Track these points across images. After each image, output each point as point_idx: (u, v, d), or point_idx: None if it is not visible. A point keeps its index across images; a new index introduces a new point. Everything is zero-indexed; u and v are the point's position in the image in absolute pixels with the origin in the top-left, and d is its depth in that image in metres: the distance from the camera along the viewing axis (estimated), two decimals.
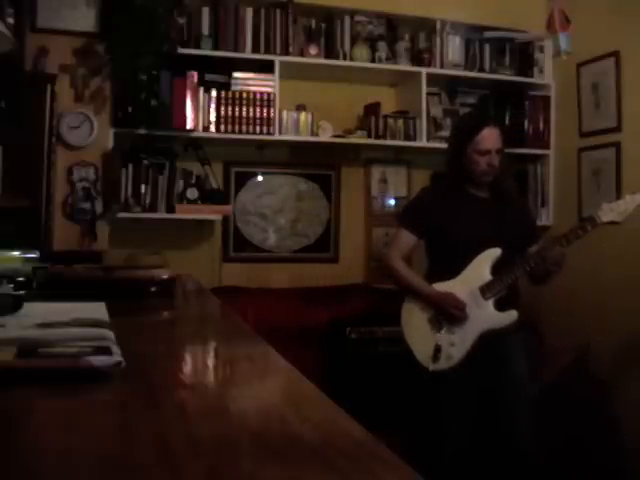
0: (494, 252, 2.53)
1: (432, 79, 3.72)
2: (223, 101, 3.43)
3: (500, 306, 2.54)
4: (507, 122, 3.83)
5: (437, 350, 2.54)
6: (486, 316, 2.53)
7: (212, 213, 3.50)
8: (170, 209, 3.38)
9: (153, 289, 1.82)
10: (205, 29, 3.42)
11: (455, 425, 2.59)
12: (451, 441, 2.60)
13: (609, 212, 2.46)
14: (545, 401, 3.11)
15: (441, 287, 2.59)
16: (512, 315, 2.52)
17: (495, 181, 2.62)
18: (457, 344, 2.54)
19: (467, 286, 2.54)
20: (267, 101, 3.46)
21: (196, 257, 3.58)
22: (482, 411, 2.61)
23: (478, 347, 2.53)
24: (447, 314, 2.54)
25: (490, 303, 2.53)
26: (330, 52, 3.64)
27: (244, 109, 3.44)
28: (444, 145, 3.73)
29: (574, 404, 3.29)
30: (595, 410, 3.30)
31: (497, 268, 2.54)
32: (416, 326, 2.64)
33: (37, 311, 1.27)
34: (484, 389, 2.59)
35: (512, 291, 2.58)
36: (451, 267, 2.59)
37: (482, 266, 2.55)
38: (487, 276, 2.54)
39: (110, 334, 1.03)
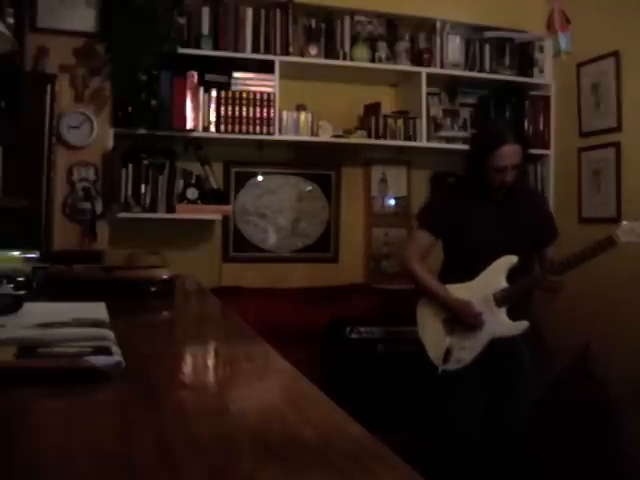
0: (510, 260, 2.55)
1: (432, 79, 3.72)
2: (223, 101, 3.43)
3: (513, 313, 2.56)
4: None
5: (448, 352, 2.58)
6: (498, 323, 2.55)
7: (212, 213, 3.50)
8: (170, 209, 3.38)
9: (153, 289, 1.82)
10: (205, 29, 3.42)
11: (462, 424, 2.61)
12: (458, 440, 2.61)
13: (629, 232, 2.41)
14: (545, 401, 3.11)
15: (456, 289, 2.61)
16: (523, 325, 2.55)
17: (510, 189, 2.61)
18: (467, 348, 2.58)
19: (481, 292, 2.56)
20: (267, 101, 3.46)
21: (196, 257, 3.58)
22: (491, 412, 2.63)
23: (487, 351, 2.56)
24: (463, 321, 2.57)
25: (503, 311, 2.55)
26: (330, 52, 3.64)
27: (244, 109, 3.44)
28: (444, 145, 3.76)
29: (573, 404, 3.29)
30: (594, 410, 3.29)
31: (512, 275, 2.55)
32: (430, 326, 2.67)
33: (37, 311, 1.27)
34: (491, 390, 2.62)
35: (525, 298, 2.60)
36: (465, 268, 2.61)
37: (498, 273, 2.56)
38: (502, 283, 2.55)
39: (110, 334, 1.03)
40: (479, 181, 2.61)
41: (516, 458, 2.61)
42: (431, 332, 2.66)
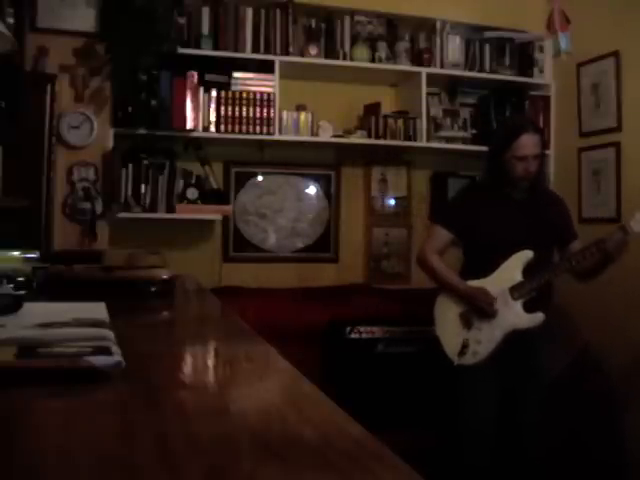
0: (526, 254, 2.57)
1: (432, 79, 3.72)
2: (223, 101, 3.43)
3: (530, 308, 2.57)
4: None
5: (464, 346, 2.60)
6: (513, 316, 2.57)
7: (212, 213, 3.50)
8: (170, 209, 3.38)
9: (153, 289, 1.82)
10: (205, 29, 3.42)
11: (477, 423, 2.62)
12: (473, 440, 2.62)
13: None
14: (547, 396, 3.11)
15: (473, 285, 2.64)
16: (538, 317, 2.56)
17: (532, 182, 2.65)
18: (484, 342, 2.59)
19: (498, 286, 2.59)
20: (267, 101, 3.46)
21: (196, 257, 3.58)
22: (505, 408, 2.65)
23: (504, 346, 2.58)
24: (477, 308, 2.59)
25: (518, 304, 2.57)
26: (330, 52, 3.64)
27: (244, 109, 3.44)
28: (444, 145, 3.77)
29: (575, 399, 3.29)
30: (596, 405, 3.30)
31: (529, 270, 2.58)
32: (447, 320, 2.69)
33: (37, 311, 1.27)
34: (507, 385, 2.64)
35: (544, 293, 2.61)
36: (484, 266, 2.63)
37: (513, 267, 2.59)
38: (518, 277, 2.58)
39: (110, 334, 1.03)
40: (500, 178, 2.64)
41: (529, 451, 2.64)
42: (448, 326, 2.68)
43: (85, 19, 3.20)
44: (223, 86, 3.46)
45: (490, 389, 2.62)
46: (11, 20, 2.71)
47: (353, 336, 3.41)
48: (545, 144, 2.71)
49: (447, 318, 2.69)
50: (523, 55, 3.91)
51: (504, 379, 2.63)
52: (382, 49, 3.69)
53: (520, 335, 2.57)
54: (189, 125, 3.36)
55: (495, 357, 2.58)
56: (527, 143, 2.58)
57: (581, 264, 2.53)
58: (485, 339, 2.59)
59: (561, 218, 2.73)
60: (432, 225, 2.87)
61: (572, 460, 3.15)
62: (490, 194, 2.69)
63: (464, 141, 3.81)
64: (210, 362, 1.24)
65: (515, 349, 2.59)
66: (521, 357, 2.63)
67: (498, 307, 2.57)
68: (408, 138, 3.71)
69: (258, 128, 3.46)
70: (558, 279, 2.67)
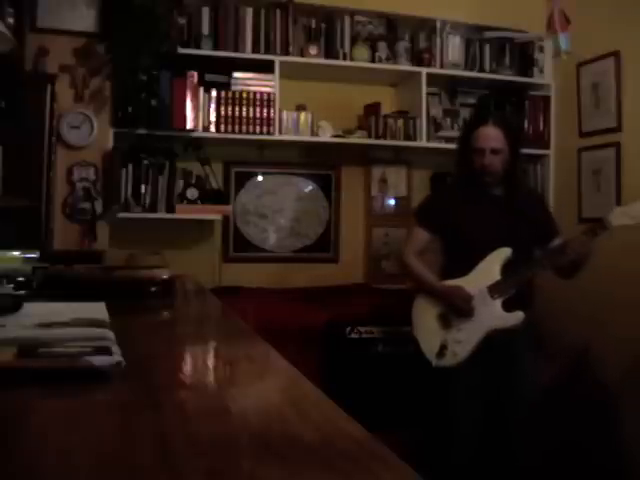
0: (504, 252, 2.55)
1: (432, 79, 3.72)
2: (223, 101, 3.43)
3: (509, 306, 2.54)
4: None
5: (443, 347, 2.57)
6: (492, 315, 2.54)
7: (212, 213, 3.50)
8: (170, 209, 3.38)
9: (153, 289, 1.82)
10: (205, 29, 3.42)
11: (462, 424, 2.60)
12: (458, 440, 2.60)
13: (621, 216, 2.41)
14: (544, 402, 3.11)
15: (450, 284, 2.61)
16: (518, 316, 2.52)
17: (510, 178, 2.62)
18: (463, 342, 2.56)
19: (476, 285, 2.55)
20: (267, 101, 3.46)
21: (196, 257, 3.58)
22: (490, 412, 2.62)
23: (483, 346, 2.54)
24: (454, 307, 2.56)
25: (497, 302, 2.54)
26: (330, 52, 3.64)
27: (244, 109, 3.44)
28: (444, 145, 3.77)
29: (573, 407, 3.29)
30: (594, 411, 3.29)
31: (508, 268, 2.54)
32: (425, 321, 2.66)
33: (37, 311, 1.27)
34: (490, 389, 2.60)
35: (524, 291, 2.58)
36: (464, 265, 2.60)
37: (492, 265, 2.56)
38: (496, 275, 2.55)
39: (110, 334, 1.03)
40: (468, 172, 2.61)
41: (516, 459, 2.60)
42: (426, 328, 2.65)
43: (85, 19, 3.21)
44: (223, 86, 3.46)
45: (474, 392, 2.57)
46: (11, 20, 2.72)
47: (353, 336, 3.41)
48: (516, 139, 2.63)
49: (425, 319, 2.65)
50: (523, 55, 3.91)
51: (488, 384, 2.58)
52: (382, 49, 3.69)
53: (502, 336, 2.52)
54: (189, 125, 3.36)
55: (478, 358, 2.54)
56: (483, 135, 2.54)
57: (554, 264, 2.51)
58: (464, 339, 2.55)
59: (541, 215, 2.69)
60: (413, 226, 2.80)
61: (570, 465, 3.15)
62: (468, 191, 2.64)
63: None
64: (210, 362, 1.24)
65: (498, 350, 2.54)
66: (504, 363, 2.57)
67: (476, 306, 2.53)
68: (408, 138, 3.71)
69: (258, 128, 3.46)
70: (552, 281, 2.65)
